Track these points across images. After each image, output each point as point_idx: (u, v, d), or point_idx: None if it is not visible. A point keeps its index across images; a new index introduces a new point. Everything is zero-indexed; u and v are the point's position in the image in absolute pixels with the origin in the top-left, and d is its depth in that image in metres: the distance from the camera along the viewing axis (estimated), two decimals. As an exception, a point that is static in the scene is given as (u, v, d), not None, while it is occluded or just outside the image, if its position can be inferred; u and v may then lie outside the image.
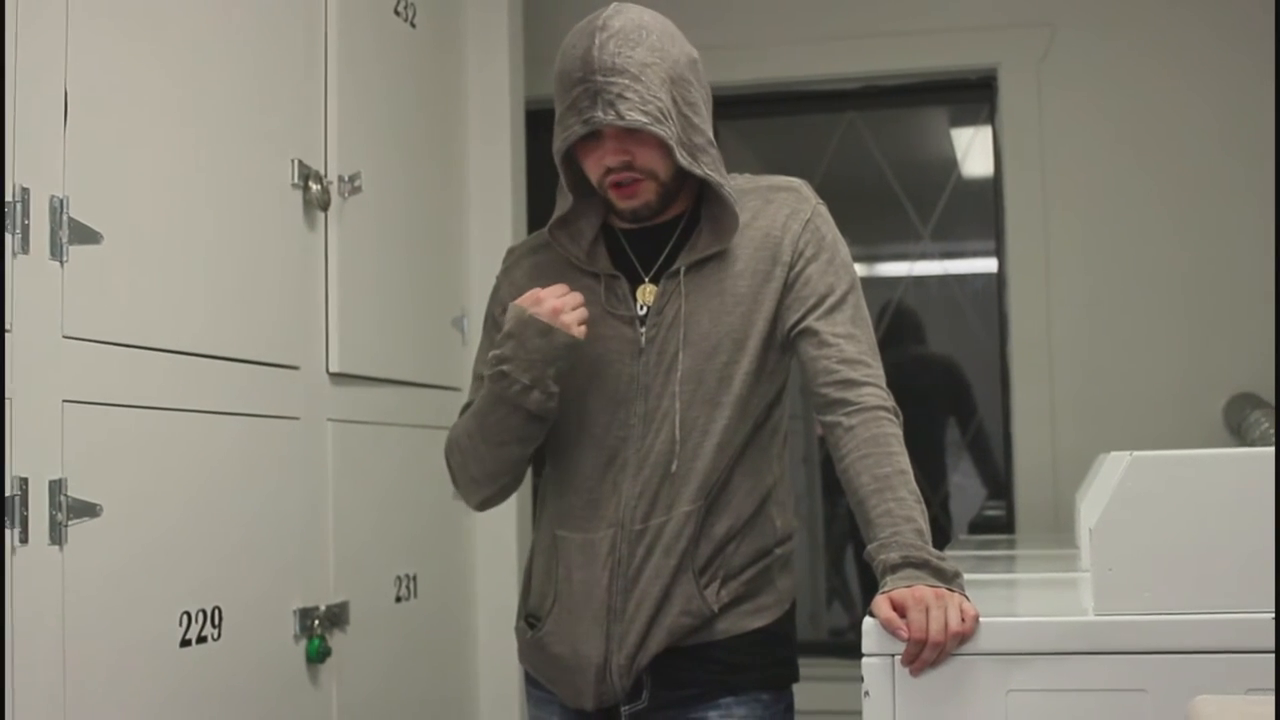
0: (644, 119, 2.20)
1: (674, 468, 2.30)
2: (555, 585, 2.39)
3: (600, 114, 2.20)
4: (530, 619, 2.45)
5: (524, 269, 2.47)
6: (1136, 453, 1.96)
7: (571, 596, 2.36)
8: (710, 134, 2.32)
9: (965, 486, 5.17)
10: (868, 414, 2.22)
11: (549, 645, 2.40)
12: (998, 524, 4.98)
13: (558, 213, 2.36)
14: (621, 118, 2.19)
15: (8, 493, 2.11)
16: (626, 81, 2.19)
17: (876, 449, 2.19)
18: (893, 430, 2.23)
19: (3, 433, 2.08)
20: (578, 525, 2.37)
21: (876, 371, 2.29)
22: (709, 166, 2.29)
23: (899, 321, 5.21)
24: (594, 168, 2.30)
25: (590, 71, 2.20)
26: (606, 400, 2.34)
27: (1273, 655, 1.86)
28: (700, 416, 2.31)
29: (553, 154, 2.31)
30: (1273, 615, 1.88)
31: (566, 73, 2.24)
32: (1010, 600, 2.51)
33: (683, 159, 2.25)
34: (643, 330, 2.33)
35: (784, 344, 2.35)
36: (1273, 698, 1.57)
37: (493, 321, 2.49)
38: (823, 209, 2.41)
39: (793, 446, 2.54)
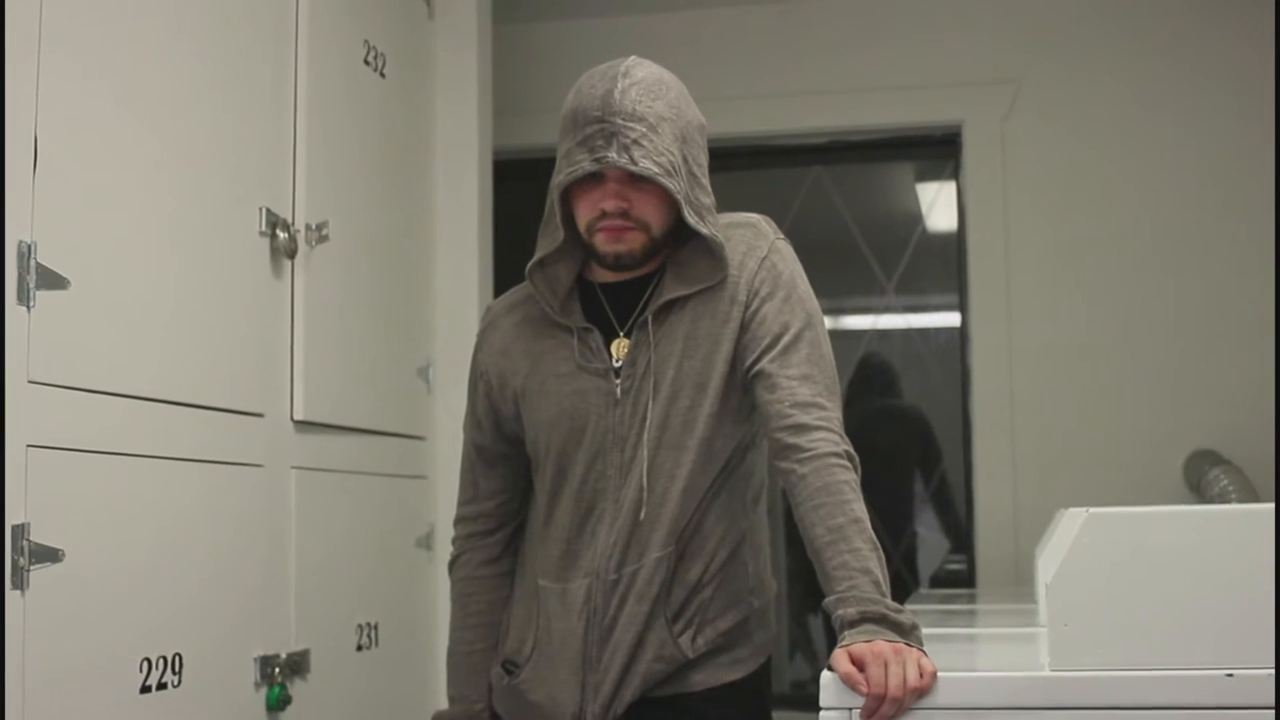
0: (655, 169, 2.21)
1: (642, 515, 2.31)
2: (535, 633, 2.41)
3: (614, 155, 2.20)
4: (508, 665, 2.46)
5: (502, 329, 2.48)
6: (1092, 509, 1.98)
7: (550, 645, 2.39)
8: (713, 196, 2.34)
9: (928, 539, 5.18)
10: (819, 461, 2.21)
11: (526, 692, 2.41)
12: (959, 578, 4.99)
13: (540, 253, 2.36)
14: (635, 163, 2.20)
15: (-30, 538, 2.12)
16: (643, 129, 2.21)
17: (829, 498, 2.18)
18: (845, 477, 2.21)
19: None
20: (557, 575, 2.39)
21: (831, 414, 2.27)
22: (713, 226, 2.31)
23: (863, 374, 5.23)
24: (587, 210, 2.30)
25: (610, 112, 2.21)
26: (584, 453, 2.36)
27: (1226, 711, 1.88)
28: (666, 462, 2.32)
29: (549, 187, 2.31)
30: (1235, 670, 1.90)
31: (582, 110, 2.25)
32: (969, 655, 2.52)
33: (690, 217, 2.26)
34: (617, 382, 2.35)
35: (746, 385, 2.35)
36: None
37: (473, 386, 2.53)
38: (781, 244, 2.40)
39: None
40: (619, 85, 2.23)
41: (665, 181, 2.21)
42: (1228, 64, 4.71)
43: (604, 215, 2.27)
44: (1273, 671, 1.88)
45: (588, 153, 2.23)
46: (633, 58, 2.30)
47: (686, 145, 2.27)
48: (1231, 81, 4.70)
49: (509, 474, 2.53)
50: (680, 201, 2.24)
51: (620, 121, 2.21)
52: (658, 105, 2.24)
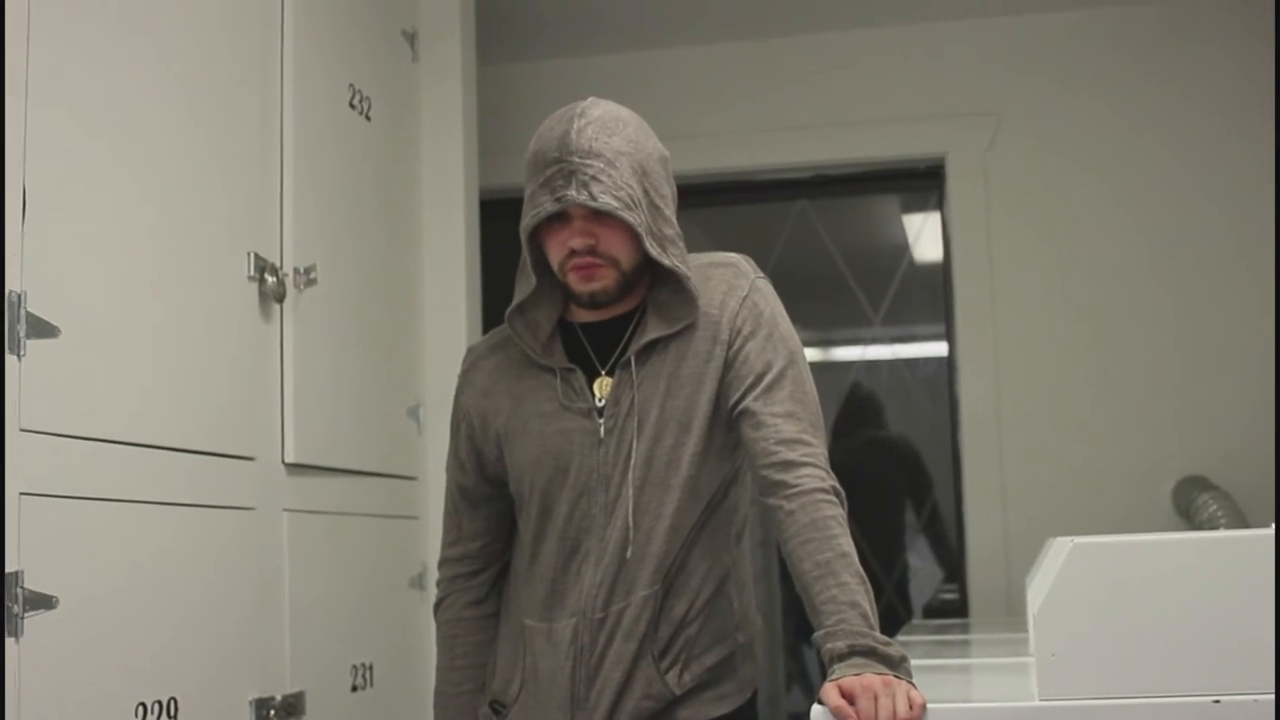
0: (615, 203, 2.23)
1: (628, 554, 2.33)
2: (522, 673, 2.42)
3: (573, 193, 2.23)
4: (495, 705, 2.47)
5: (483, 371, 2.50)
6: (1077, 539, 1.99)
7: (537, 685, 2.39)
8: (678, 227, 2.36)
9: (920, 570, 5.19)
10: (806, 497, 2.23)
11: (515, 733, 2.43)
12: (952, 607, 5.00)
13: (518, 298, 2.38)
14: (594, 199, 2.22)
15: (-36, 587, 2.12)
16: (601, 165, 2.23)
17: (817, 533, 2.20)
18: (832, 512, 2.23)
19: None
20: (543, 615, 2.40)
21: (817, 450, 2.30)
22: (677, 259, 2.33)
23: (851, 406, 5.24)
24: (557, 249, 2.32)
25: (567, 152, 2.24)
26: (569, 492, 2.37)
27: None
28: (652, 501, 2.33)
29: (519, 231, 2.33)
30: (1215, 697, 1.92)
31: (542, 153, 2.28)
32: (958, 685, 2.53)
33: (652, 249, 2.29)
34: (601, 421, 2.36)
35: (729, 423, 2.37)
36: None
37: (455, 428, 2.54)
38: (762, 283, 2.43)
39: (751, 529, 2.57)
40: (575, 125, 2.27)
41: (625, 215, 2.24)
42: (1209, 87, 4.75)
43: (573, 254, 2.30)
44: (1264, 697, 1.89)
45: (549, 193, 2.26)
46: (590, 98, 2.34)
47: (646, 178, 2.30)
48: (1214, 104, 4.73)
49: (493, 515, 2.55)
50: (641, 234, 2.27)
51: (578, 160, 2.24)
52: (614, 141, 2.27)
